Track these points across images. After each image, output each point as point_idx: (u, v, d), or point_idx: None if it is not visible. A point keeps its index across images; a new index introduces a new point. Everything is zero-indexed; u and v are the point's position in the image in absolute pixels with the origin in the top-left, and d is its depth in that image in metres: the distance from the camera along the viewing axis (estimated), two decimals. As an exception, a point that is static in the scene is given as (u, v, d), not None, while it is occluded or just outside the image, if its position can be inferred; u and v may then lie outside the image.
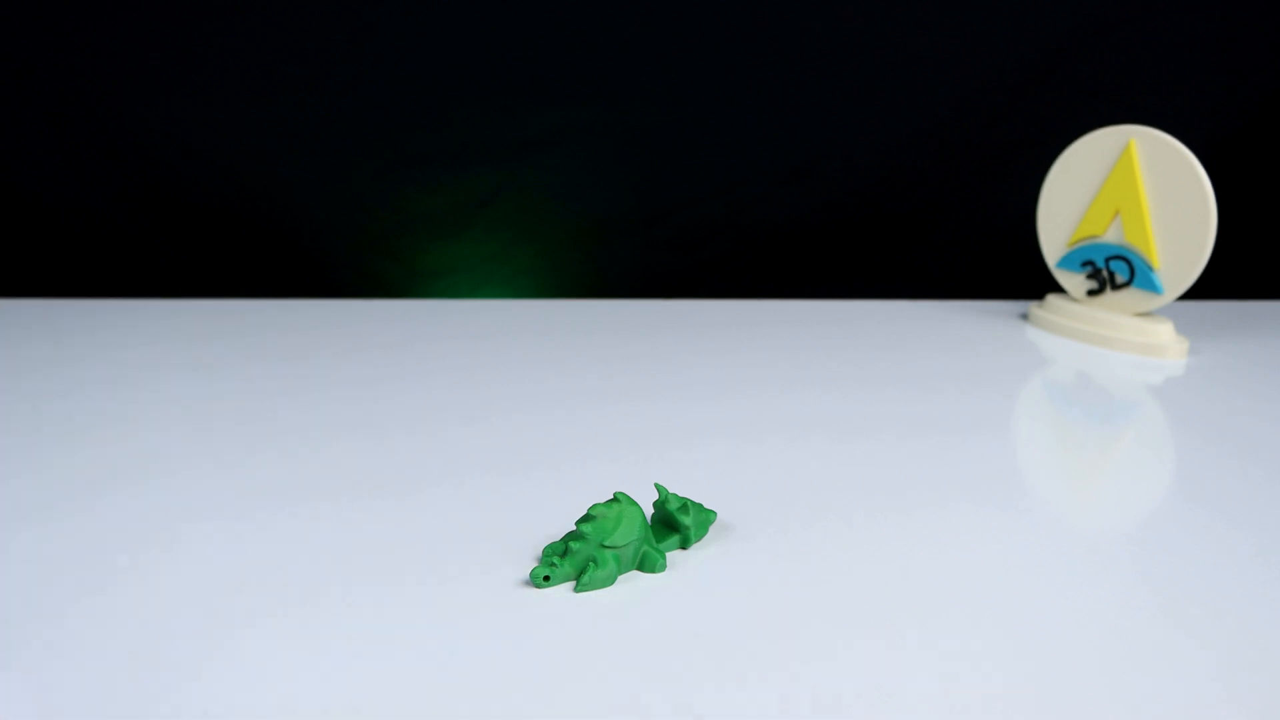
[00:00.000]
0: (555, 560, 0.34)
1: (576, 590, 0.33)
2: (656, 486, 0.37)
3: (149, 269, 0.87)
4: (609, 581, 0.34)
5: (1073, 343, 0.68)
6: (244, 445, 0.47)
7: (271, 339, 0.66)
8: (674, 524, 0.36)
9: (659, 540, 0.36)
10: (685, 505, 0.36)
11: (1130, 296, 0.66)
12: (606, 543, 0.34)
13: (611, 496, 0.35)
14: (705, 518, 0.37)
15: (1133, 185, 0.64)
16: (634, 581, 0.34)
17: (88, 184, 0.84)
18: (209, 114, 0.83)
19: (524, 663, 0.30)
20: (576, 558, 0.34)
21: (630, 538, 0.34)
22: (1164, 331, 0.64)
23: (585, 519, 0.34)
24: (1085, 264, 0.68)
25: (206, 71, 0.81)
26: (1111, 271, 0.67)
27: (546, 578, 0.33)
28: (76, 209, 0.84)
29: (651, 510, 0.37)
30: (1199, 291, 0.65)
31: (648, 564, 0.35)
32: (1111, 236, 0.66)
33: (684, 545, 0.36)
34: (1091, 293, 0.68)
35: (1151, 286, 0.64)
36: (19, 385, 0.55)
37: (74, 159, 0.83)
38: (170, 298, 0.78)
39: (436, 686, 0.28)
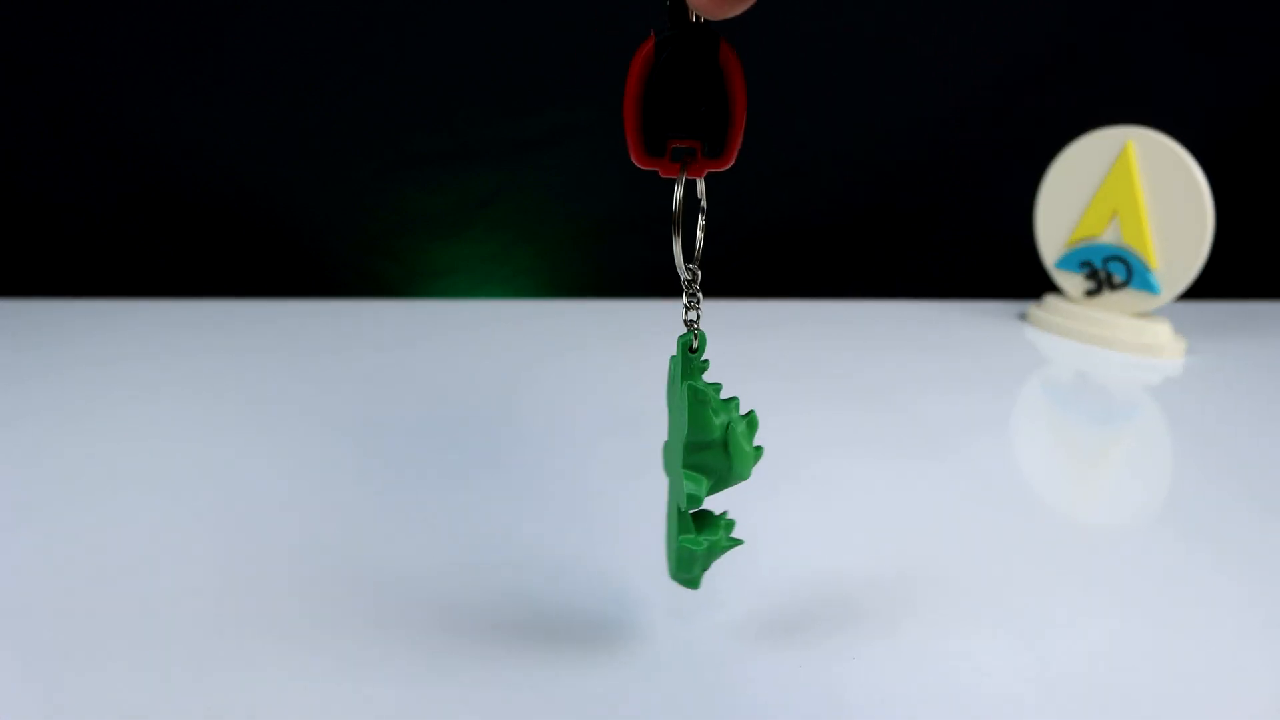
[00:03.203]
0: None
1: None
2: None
3: (149, 269, 0.87)
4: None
5: (1071, 343, 0.68)
6: (244, 444, 0.47)
7: (271, 339, 0.66)
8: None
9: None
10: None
11: (1128, 297, 0.66)
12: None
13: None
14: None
15: (1130, 186, 0.64)
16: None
17: (88, 184, 0.84)
18: (209, 114, 0.83)
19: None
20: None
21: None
22: (1161, 331, 0.65)
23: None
24: (1083, 264, 0.68)
25: (206, 71, 0.82)
26: (1109, 272, 0.67)
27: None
28: (76, 209, 0.85)
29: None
30: (1196, 292, 0.65)
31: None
32: (1109, 237, 0.66)
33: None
34: (1089, 293, 0.68)
35: (1149, 287, 0.64)
36: (19, 385, 0.55)
37: (74, 159, 0.83)
38: (170, 298, 0.78)
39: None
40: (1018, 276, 0.79)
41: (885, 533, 0.39)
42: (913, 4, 0.84)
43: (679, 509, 0.28)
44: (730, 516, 0.29)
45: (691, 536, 0.28)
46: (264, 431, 0.48)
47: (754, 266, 0.92)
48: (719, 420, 0.27)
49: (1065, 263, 0.69)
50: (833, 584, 0.35)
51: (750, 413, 0.27)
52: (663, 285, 0.90)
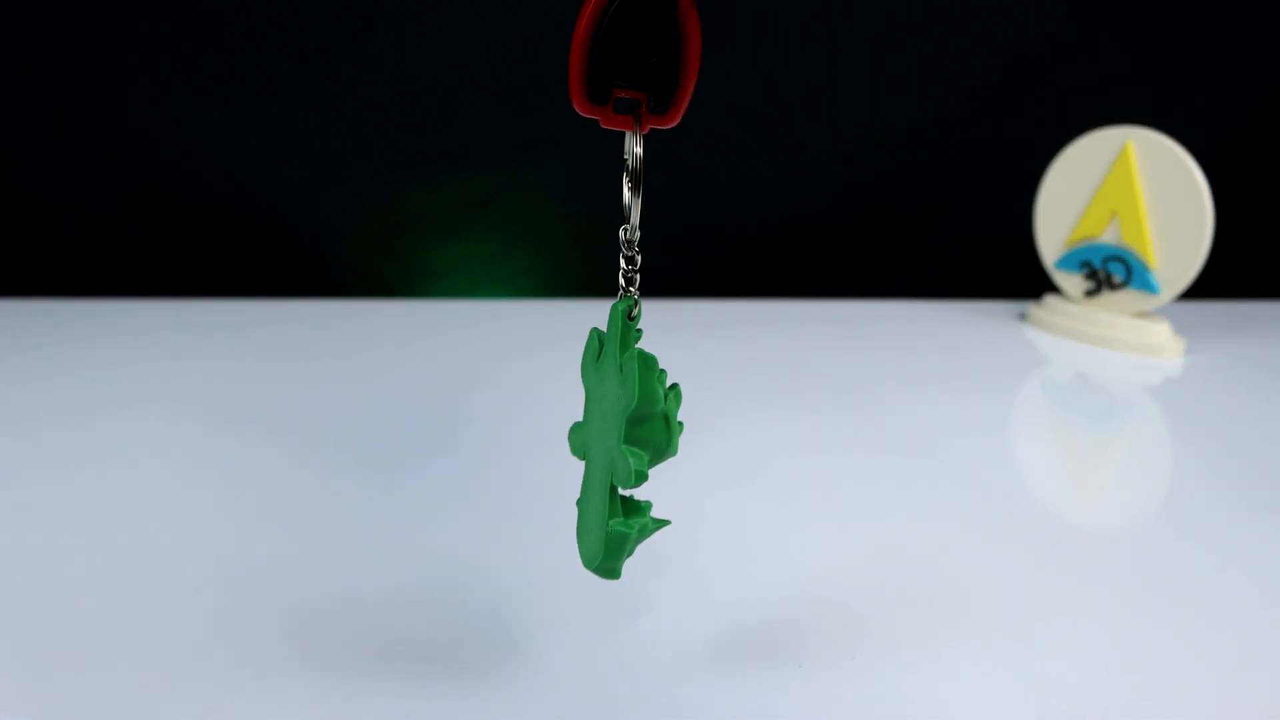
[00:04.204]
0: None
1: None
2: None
3: (149, 269, 0.87)
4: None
5: (1071, 343, 0.68)
6: (243, 445, 0.47)
7: (271, 339, 0.66)
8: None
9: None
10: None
11: (1127, 297, 0.66)
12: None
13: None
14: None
15: (1129, 187, 0.64)
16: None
17: (88, 184, 0.84)
18: (209, 114, 0.83)
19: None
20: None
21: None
22: (1161, 331, 0.65)
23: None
24: (1083, 264, 0.68)
25: (206, 71, 0.82)
26: (1109, 272, 0.67)
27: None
28: (76, 209, 0.85)
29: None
30: (1196, 291, 0.65)
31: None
32: (1109, 237, 0.66)
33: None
34: (1089, 293, 0.68)
35: (1148, 287, 0.64)
36: (18, 385, 0.55)
37: (74, 159, 0.83)
38: (170, 298, 0.78)
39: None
40: (1018, 276, 0.79)
41: (884, 532, 0.39)
42: (913, 4, 0.84)
43: (612, 489, 0.26)
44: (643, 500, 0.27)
45: (621, 519, 0.26)
46: (263, 432, 0.49)
47: (754, 266, 0.92)
48: (661, 390, 0.26)
49: (1065, 263, 0.70)
50: (831, 584, 0.35)
51: (675, 384, 0.26)
52: (663, 285, 0.90)
